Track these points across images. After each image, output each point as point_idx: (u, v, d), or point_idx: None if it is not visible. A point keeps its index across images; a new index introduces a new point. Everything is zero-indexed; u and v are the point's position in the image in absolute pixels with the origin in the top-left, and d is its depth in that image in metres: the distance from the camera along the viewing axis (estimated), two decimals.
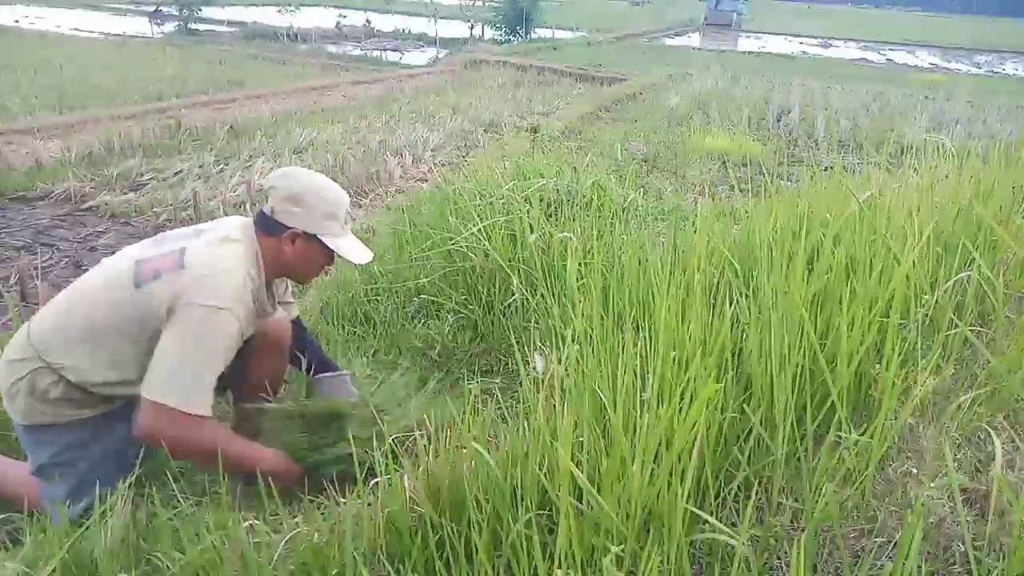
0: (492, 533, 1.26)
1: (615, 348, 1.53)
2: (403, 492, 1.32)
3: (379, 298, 2.99)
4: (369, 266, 3.16)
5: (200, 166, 5.16)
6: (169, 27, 17.72)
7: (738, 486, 1.37)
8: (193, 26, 17.55)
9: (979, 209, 2.19)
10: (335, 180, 5.17)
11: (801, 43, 23.45)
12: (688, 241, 2.44)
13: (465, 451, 1.36)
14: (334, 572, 1.26)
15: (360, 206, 4.77)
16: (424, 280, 2.88)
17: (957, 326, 1.69)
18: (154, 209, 4.39)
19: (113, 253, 1.76)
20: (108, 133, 5.67)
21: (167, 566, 1.29)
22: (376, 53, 15.06)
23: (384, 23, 19.17)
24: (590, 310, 1.73)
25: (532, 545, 1.13)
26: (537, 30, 19.06)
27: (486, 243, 2.77)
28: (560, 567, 1.12)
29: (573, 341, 1.60)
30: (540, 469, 1.28)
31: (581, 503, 1.22)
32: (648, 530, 1.20)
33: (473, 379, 2.47)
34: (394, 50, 15.79)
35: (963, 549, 1.20)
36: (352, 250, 1.79)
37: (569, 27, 20.21)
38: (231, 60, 11.76)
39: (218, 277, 1.59)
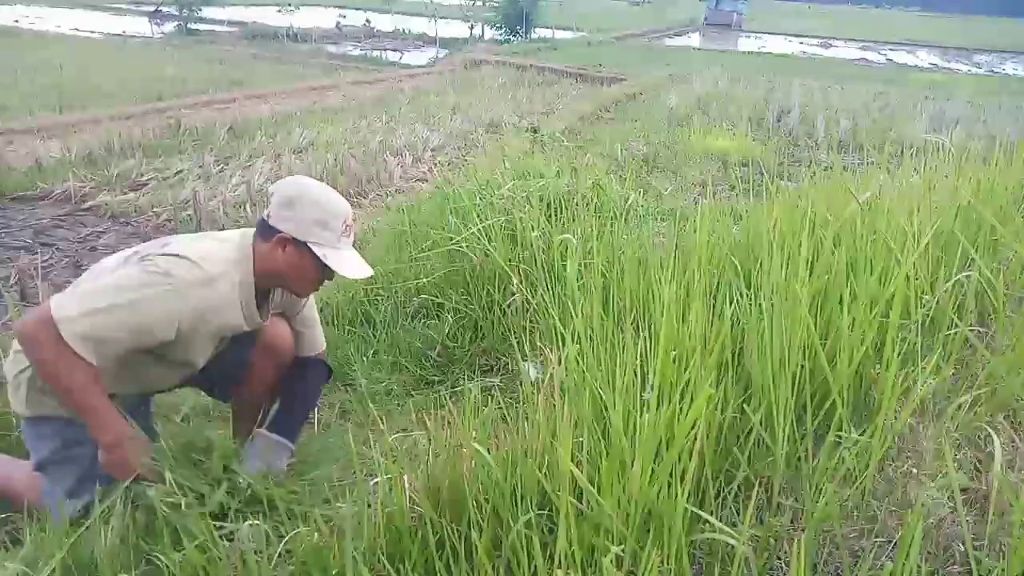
0: (492, 533, 1.26)
1: (615, 348, 1.53)
2: (403, 492, 1.32)
3: (379, 298, 2.99)
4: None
5: (200, 166, 5.16)
6: (169, 27, 17.73)
7: (738, 486, 1.37)
8: (193, 26, 17.55)
9: (980, 209, 2.19)
10: (335, 180, 5.18)
11: (801, 43, 23.45)
12: (688, 241, 2.45)
13: (465, 451, 1.36)
14: (334, 572, 1.26)
15: (360, 206, 4.77)
16: (424, 280, 2.88)
17: (957, 326, 1.69)
18: (154, 209, 4.39)
19: (113, 253, 1.76)
20: (108, 133, 5.67)
21: (167, 566, 1.29)
22: (376, 53, 15.06)
23: (384, 23, 19.16)
24: (590, 310, 1.73)
25: (532, 545, 1.13)
26: (537, 30, 19.06)
27: (486, 243, 2.77)
28: (560, 567, 1.12)
29: (573, 341, 1.60)
30: (540, 469, 1.28)
31: (581, 503, 1.22)
32: (648, 530, 1.20)
33: (473, 379, 2.47)
34: (394, 50, 15.80)
35: (963, 549, 1.20)
36: (344, 263, 1.69)
37: (569, 27, 20.20)
38: (231, 60, 11.77)
39: (183, 260, 1.57)
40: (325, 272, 1.71)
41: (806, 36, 25.64)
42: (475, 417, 1.47)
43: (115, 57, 11.13)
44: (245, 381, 1.93)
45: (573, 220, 2.94)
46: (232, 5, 21.49)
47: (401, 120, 7.27)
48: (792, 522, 1.33)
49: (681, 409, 1.23)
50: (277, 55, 12.85)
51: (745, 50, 19.67)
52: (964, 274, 1.87)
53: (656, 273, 1.92)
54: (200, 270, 1.59)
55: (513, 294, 2.63)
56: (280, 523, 1.37)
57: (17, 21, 15.69)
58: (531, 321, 2.53)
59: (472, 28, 18.63)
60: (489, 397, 2.11)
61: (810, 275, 1.74)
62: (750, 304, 1.68)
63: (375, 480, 1.42)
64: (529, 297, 2.56)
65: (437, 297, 2.86)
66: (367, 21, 19.02)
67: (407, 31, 18.12)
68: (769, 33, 26.13)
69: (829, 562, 1.27)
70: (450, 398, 2.26)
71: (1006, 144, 3.01)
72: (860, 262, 1.81)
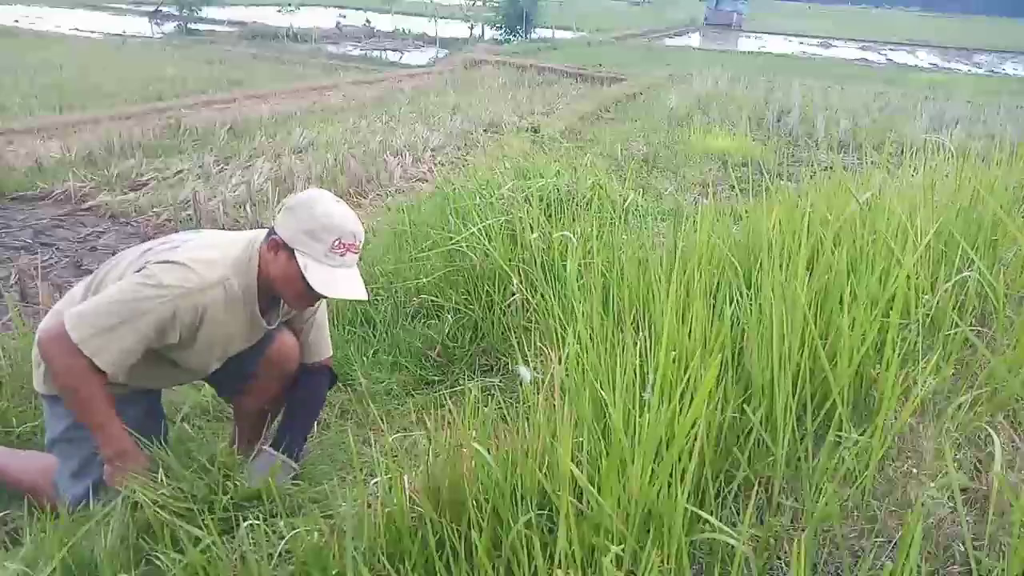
0: (492, 533, 1.26)
1: (615, 348, 1.53)
2: (403, 492, 1.32)
3: (379, 298, 2.99)
4: (369, 266, 3.16)
5: (200, 166, 5.16)
6: (169, 27, 17.72)
7: (738, 486, 1.37)
8: (193, 26, 17.55)
9: (987, 201, 2.19)
10: (335, 180, 5.16)
11: (801, 43, 23.45)
12: (688, 241, 2.45)
13: (465, 451, 1.36)
14: (334, 572, 1.26)
15: (360, 206, 4.77)
16: (424, 280, 2.88)
17: (957, 326, 1.69)
18: (154, 209, 4.39)
19: (113, 253, 1.77)
20: (108, 133, 5.67)
21: (167, 566, 1.29)
22: (376, 53, 15.05)
23: (384, 23, 19.15)
24: (590, 310, 1.73)
25: (532, 545, 1.13)
26: (537, 30, 19.05)
27: (486, 243, 2.77)
28: (560, 567, 1.12)
29: (573, 341, 1.60)
30: (540, 469, 1.28)
31: (581, 503, 1.22)
32: (648, 530, 1.20)
33: (473, 379, 2.47)
34: (394, 50, 15.79)
35: (963, 549, 1.20)
36: (321, 278, 1.61)
37: (569, 27, 20.19)
38: (231, 60, 11.76)
39: (178, 267, 1.60)
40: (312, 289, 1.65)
41: (806, 36, 25.64)
42: (475, 417, 1.47)
43: (115, 57, 11.13)
44: (248, 391, 1.94)
45: (573, 220, 2.94)
46: (232, 5, 21.49)
47: (401, 120, 7.27)
48: (792, 522, 1.33)
49: (681, 409, 1.23)
50: (277, 55, 12.84)
51: (745, 50, 19.66)
52: (964, 274, 1.87)
53: (656, 273, 1.92)
54: (196, 276, 1.60)
55: (513, 294, 2.63)
56: (280, 516, 1.37)
57: (17, 21, 15.69)
58: (531, 321, 2.54)
59: (472, 28, 18.62)
60: (489, 397, 2.11)
61: (810, 275, 1.74)
62: (750, 304, 1.68)
63: (375, 480, 1.42)
64: (529, 297, 2.56)
65: (437, 297, 2.86)
66: (367, 21, 19.02)
67: (407, 31, 18.11)
68: (769, 33, 26.13)
69: (829, 562, 1.27)
70: (450, 398, 2.26)
71: (1006, 144, 3.01)
72: (860, 262, 1.81)
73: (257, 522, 1.36)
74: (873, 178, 2.78)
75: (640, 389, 1.35)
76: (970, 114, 8.28)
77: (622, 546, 1.15)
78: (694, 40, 22.88)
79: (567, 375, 1.53)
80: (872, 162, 5.52)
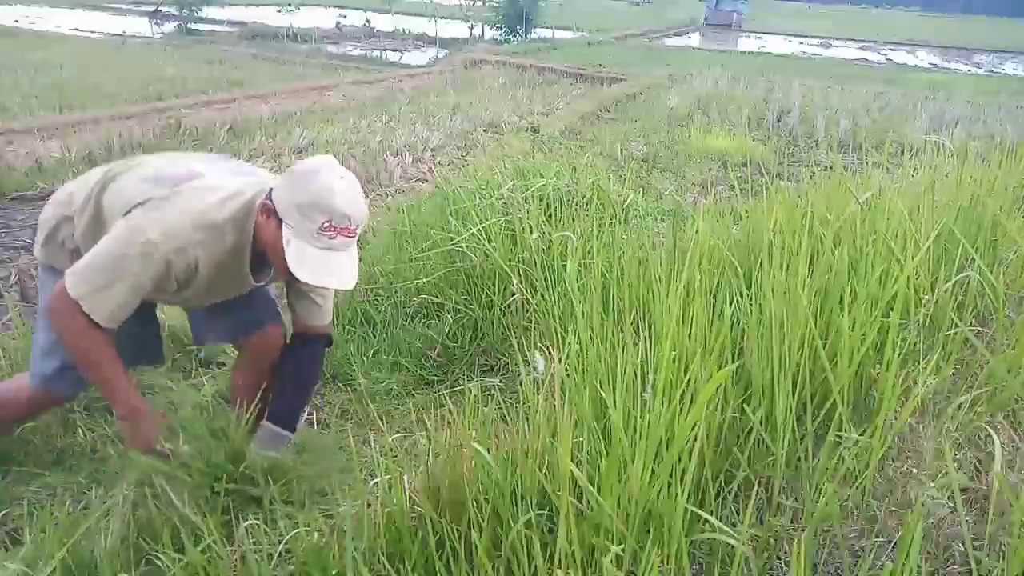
0: (492, 533, 1.26)
1: (615, 348, 1.53)
2: (403, 492, 1.32)
3: (379, 298, 2.99)
4: (369, 267, 3.16)
5: None
6: (169, 27, 17.71)
7: (738, 486, 1.37)
8: (193, 26, 17.53)
9: (987, 201, 2.19)
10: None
11: (801, 43, 23.43)
12: (688, 241, 2.45)
13: (465, 451, 1.36)
14: (334, 572, 1.26)
15: None
16: (424, 280, 2.88)
17: (957, 326, 1.69)
18: None
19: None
20: (108, 133, 5.66)
21: (167, 566, 1.29)
22: (376, 53, 15.04)
23: (384, 23, 19.14)
24: (590, 310, 1.73)
25: (532, 545, 1.13)
26: (537, 30, 19.04)
27: (486, 243, 2.77)
28: (560, 567, 1.12)
29: (573, 341, 1.60)
30: (540, 469, 1.28)
31: (581, 503, 1.22)
32: (648, 530, 1.20)
33: (473, 379, 2.47)
34: (394, 50, 15.78)
35: (963, 549, 1.20)
36: (302, 259, 1.51)
37: (569, 27, 20.18)
38: (231, 60, 11.75)
39: (178, 217, 1.55)
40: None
41: (806, 36, 25.62)
42: (475, 417, 1.47)
43: (115, 57, 11.13)
44: (236, 365, 1.95)
45: (573, 220, 2.94)
46: (232, 5, 21.48)
47: (401, 120, 7.26)
48: (792, 522, 1.33)
49: (681, 409, 1.23)
50: (277, 55, 12.83)
51: (745, 50, 19.65)
52: (964, 274, 1.87)
53: (656, 273, 1.92)
54: (186, 231, 1.55)
55: (513, 294, 2.63)
56: (276, 513, 1.37)
57: (17, 21, 15.67)
58: (531, 321, 2.54)
59: (472, 28, 18.61)
60: (489, 397, 2.11)
61: (810, 275, 1.74)
62: (750, 304, 1.68)
63: (375, 480, 1.42)
64: (529, 297, 2.56)
65: (437, 297, 2.86)
66: (367, 21, 19.00)
67: (407, 31, 18.10)
68: (769, 33, 26.11)
69: (829, 562, 1.27)
70: (450, 398, 2.26)
71: (1007, 144, 3.01)
72: (860, 262, 1.81)
73: (257, 522, 1.36)
74: (873, 178, 2.78)
75: (640, 389, 1.35)
76: (970, 114, 8.28)
77: (622, 546, 1.15)
78: (694, 40, 22.86)
79: (567, 375, 1.53)
80: (872, 162, 5.52)
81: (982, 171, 2.72)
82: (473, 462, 1.35)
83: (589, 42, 17.62)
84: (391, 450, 1.48)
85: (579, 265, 2.47)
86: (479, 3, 19.49)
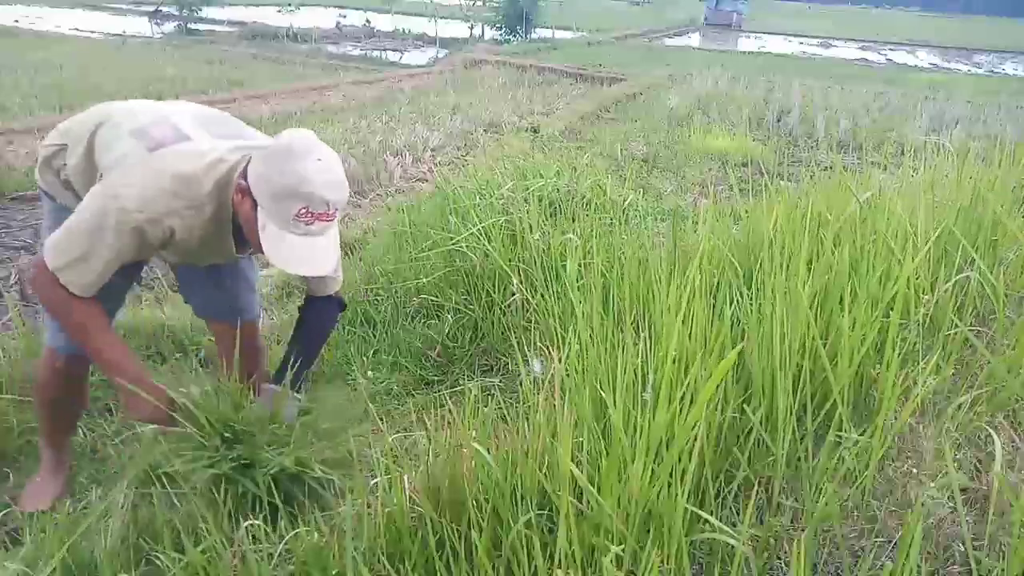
0: (492, 533, 1.26)
1: (615, 348, 1.53)
2: (403, 492, 1.32)
3: (379, 298, 3.00)
4: (369, 267, 3.16)
5: None
6: (169, 27, 17.71)
7: (738, 486, 1.37)
8: (193, 26, 17.54)
9: (987, 201, 2.19)
10: None
11: (801, 43, 23.43)
12: (688, 241, 2.45)
13: (465, 451, 1.36)
14: (334, 572, 1.26)
15: (360, 206, 4.77)
16: (424, 280, 2.88)
17: (957, 326, 1.69)
18: None
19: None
20: None
21: (167, 566, 1.29)
22: (376, 53, 15.04)
23: (384, 23, 19.14)
24: (590, 310, 1.73)
25: (532, 545, 1.13)
26: (537, 30, 19.04)
27: (486, 243, 2.77)
28: (560, 567, 1.12)
29: (573, 341, 1.60)
30: (540, 469, 1.28)
31: (581, 503, 1.22)
32: (648, 530, 1.20)
33: (473, 379, 2.47)
34: (394, 50, 15.78)
35: (963, 549, 1.20)
36: (277, 246, 1.45)
37: (569, 27, 20.18)
38: (231, 60, 11.75)
39: (155, 181, 1.50)
40: None
41: (806, 36, 25.62)
42: (475, 417, 1.47)
43: (115, 57, 11.13)
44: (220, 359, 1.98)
45: (573, 220, 2.94)
46: (232, 5, 21.48)
47: (401, 120, 7.26)
48: (792, 522, 1.33)
49: (681, 409, 1.23)
50: (277, 55, 12.83)
51: (745, 50, 19.65)
52: (964, 274, 1.87)
53: (656, 273, 1.92)
54: (164, 199, 1.50)
55: (513, 294, 2.63)
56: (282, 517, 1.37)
57: (17, 21, 15.68)
58: (531, 321, 2.54)
59: (472, 28, 18.62)
60: (489, 397, 2.11)
61: (810, 275, 1.74)
62: (750, 304, 1.68)
63: (375, 480, 1.42)
64: (529, 297, 2.56)
65: (437, 297, 2.86)
66: (367, 21, 19.00)
67: (407, 31, 18.10)
68: (769, 33, 26.11)
69: (829, 562, 1.27)
70: (450, 398, 2.26)
71: (1006, 144, 3.01)
72: (861, 262, 1.81)
73: (257, 522, 1.36)
74: (873, 178, 2.78)
75: (640, 389, 1.35)
76: (970, 114, 8.28)
77: (622, 546, 1.15)
78: (694, 40, 22.86)
79: (567, 375, 1.53)
80: (872, 162, 5.52)
81: (982, 171, 2.72)
82: (473, 462, 1.35)
83: (589, 42, 17.62)
84: (391, 450, 1.48)
85: (579, 265, 2.48)
86: (479, 3, 19.48)
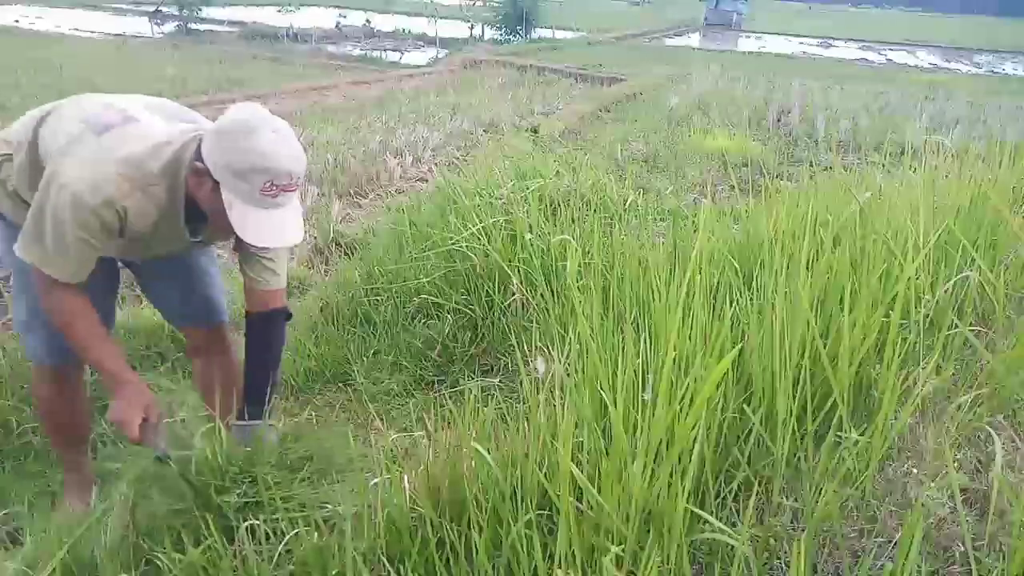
0: (492, 533, 1.26)
1: (615, 348, 1.53)
2: (403, 492, 1.32)
3: (379, 298, 2.99)
4: (369, 266, 3.16)
5: None
6: (169, 27, 17.72)
7: (738, 486, 1.37)
8: (193, 26, 17.54)
9: (987, 201, 2.19)
10: (335, 180, 5.13)
11: (801, 43, 23.43)
12: (688, 241, 2.45)
13: (465, 451, 1.36)
14: (334, 572, 1.26)
15: (360, 206, 4.77)
16: (424, 280, 2.88)
17: (957, 326, 1.69)
18: None
19: None
20: None
21: (167, 566, 1.29)
22: (376, 53, 15.04)
23: (384, 23, 19.15)
24: (590, 310, 1.73)
25: (532, 545, 1.13)
26: (537, 30, 19.05)
27: (486, 243, 2.77)
28: (560, 567, 1.12)
29: (573, 341, 1.60)
30: (540, 469, 1.28)
31: (581, 503, 1.22)
32: (648, 530, 1.20)
33: (473, 379, 2.47)
34: (394, 50, 15.78)
35: (963, 549, 1.20)
36: (248, 222, 1.45)
37: (569, 27, 20.18)
38: (231, 60, 11.76)
39: (103, 164, 1.48)
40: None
41: (806, 36, 25.62)
42: (475, 417, 1.47)
43: (115, 57, 11.13)
44: (194, 374, 2.00)
45: (573, 220, 2.94)
46: (232, 5, 21.49)
47: (401, 120, 7.26)
48: (792, 522, 1.33)
49: (681, 409, 1.23)
50: (277, 55, 12.84)
51: (745, 50, 19.65)
52: (964, 274, 1.87)
53: (656, 273, 1.92)
54: (112, 183, 1.47)
55: (513, 294, 2.63)
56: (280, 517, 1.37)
57: (17, 21, 15.68)
58: (531, 321, 2.54)
59: (472, 28, 18.61)
60: (489, 397, 2.11)
61: (810, 275, 1.74)
62: (750, 304, 1.68)
63: (375, 480, 1.42)
64: (529, 297, 2.56)
65: (437, 297, 2.86)
66: (367, 21, 19.00)
67: (407, 31, 18.11)
68: (769, 33, 26.10)
69: (829, 562, 1.27)
70: (450, 398, 2.26)
71: (1006, 144, 3.01)
72: (861, 262, 1.81)
73: (257, 522, 1.36)
74: (873, 178, 2.78)
75: (640, 389, 1.35)
76: (970, 114, 8.28)
77: (622, 546, 1.15)
78: (694, 40, 22.87)
79: (567, 375, 1.53)
80: (872, 162, 5.52)
81: (982, 171, 2.72)
82: (473, 462, 1.35)
83: (589, 42, 17.63)
84: (391, 450, 1.48)
85: (579, 265, 2.47)
86: (479, 3, 19.50)
